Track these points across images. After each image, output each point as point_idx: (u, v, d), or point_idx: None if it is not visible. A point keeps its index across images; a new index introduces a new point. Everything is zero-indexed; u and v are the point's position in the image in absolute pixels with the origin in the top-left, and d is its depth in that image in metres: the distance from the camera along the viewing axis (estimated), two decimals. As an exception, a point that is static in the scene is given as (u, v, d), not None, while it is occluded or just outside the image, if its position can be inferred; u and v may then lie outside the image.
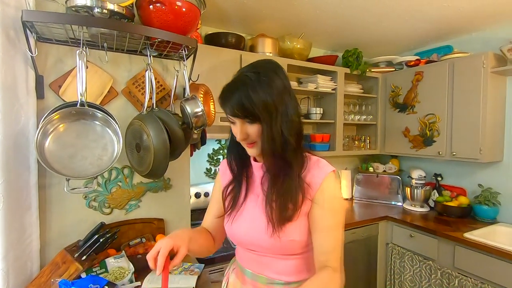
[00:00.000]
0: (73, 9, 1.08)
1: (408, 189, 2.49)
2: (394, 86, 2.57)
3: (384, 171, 2.76)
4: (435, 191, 2.46)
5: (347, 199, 2.79)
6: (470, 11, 1.92)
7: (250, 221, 0.84)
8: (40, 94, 1.19)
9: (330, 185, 0.78)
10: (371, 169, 2.80)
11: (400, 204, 2.60)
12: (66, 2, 1.06)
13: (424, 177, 2.49)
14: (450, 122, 2.16)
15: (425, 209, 2.40)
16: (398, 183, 2.65)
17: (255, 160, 0.87)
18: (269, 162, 0.80)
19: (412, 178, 2.51)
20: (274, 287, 0.83)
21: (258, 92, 0.71)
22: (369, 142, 2.76)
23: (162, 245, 0.71)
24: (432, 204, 2.44)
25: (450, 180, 2.45)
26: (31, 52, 1.08)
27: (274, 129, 0.73)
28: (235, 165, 0.89)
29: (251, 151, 0.81)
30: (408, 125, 2.46)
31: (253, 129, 0.75)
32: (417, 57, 2.49)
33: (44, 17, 0.97)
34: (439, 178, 2.47)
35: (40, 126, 0.96)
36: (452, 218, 2.18)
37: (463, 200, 2.23)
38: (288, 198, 0.77)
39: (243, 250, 0.89)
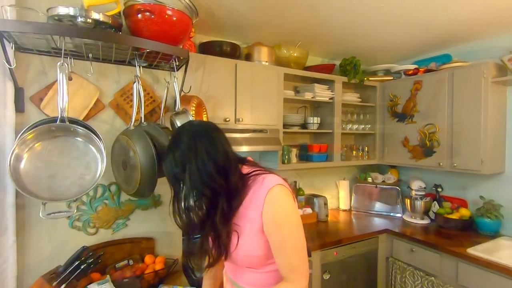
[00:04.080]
0: (56, 18, 1.01)
1: (408, 200, 2.42)
2: (393, 95, 2.52)
3: (383, 181, 2.70)
4: (435, 202, 2.39)
5: (345, 210, 2.72)
6: (469, 20, 1.88)
7: None
8: (19, 108, 1.11)
9: (273, 200, 0.83)
10: (369, 179, 2.74)
11: (399, 215, 2.53)
12: (47, 10, 0.99)
13: (424, 188, 2.43)
14: (451, 132, 2.11)
15: (425, 221, 2.34)
16: (397, 193, 2.59)
17: None
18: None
19: (412, 189, 2.45)
20: None
21: (166, 166, 0.84)
22: (368, 152, 2.69)
23: None
24: (432, 216, 2.37)
25: (450, 191, 2.39)
26: (9, 64, 1.00)
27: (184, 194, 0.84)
28: None
29: None
30: (407, 135, 2.41)
31: None
32: (416, 66, 2.45)
33: (21, 27, 0.89)
34: (439, 189, 2.41)
35: (13, 148, 0.88)
36: (453, 231, 2.11)
37: (464, 212, 2.17)
38: (223, 229, 0.85)
39: (227, 261, 1.02)
